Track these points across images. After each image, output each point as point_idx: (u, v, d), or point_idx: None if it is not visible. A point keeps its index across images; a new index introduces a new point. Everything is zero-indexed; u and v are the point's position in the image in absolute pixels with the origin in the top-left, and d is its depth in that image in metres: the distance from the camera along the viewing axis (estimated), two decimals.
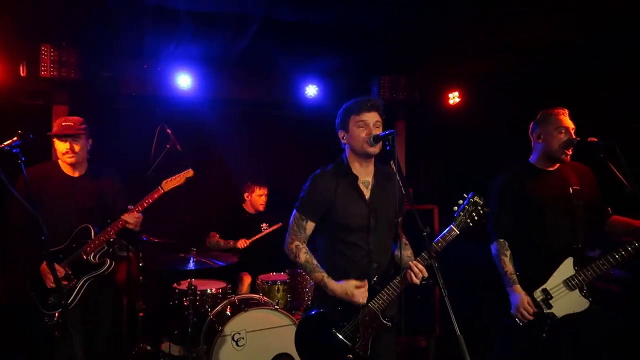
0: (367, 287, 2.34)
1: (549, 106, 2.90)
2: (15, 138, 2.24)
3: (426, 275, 2.28)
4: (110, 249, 3.17)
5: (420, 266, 2.28)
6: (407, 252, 2.50)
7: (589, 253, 2.76)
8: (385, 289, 2.34)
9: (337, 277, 2.37)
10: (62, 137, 3.04)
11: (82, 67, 4.40)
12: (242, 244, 4.61)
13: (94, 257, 3.06)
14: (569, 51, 4.47)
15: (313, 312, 2.47)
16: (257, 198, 4.84)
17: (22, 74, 4.33)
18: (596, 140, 2.70)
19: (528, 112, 2.99)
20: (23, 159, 2.26)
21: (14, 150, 2.22)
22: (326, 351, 2.36)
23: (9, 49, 4.29)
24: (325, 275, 2.37)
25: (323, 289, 2.38)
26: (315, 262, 2.41)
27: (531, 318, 2.68)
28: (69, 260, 3.03)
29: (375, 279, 2.39)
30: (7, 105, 4.37)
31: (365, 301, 2.33)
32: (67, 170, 3.16)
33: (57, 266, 2.92)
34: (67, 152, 3.05)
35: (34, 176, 2.99)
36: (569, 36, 4.22)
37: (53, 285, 2.91)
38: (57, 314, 2.91)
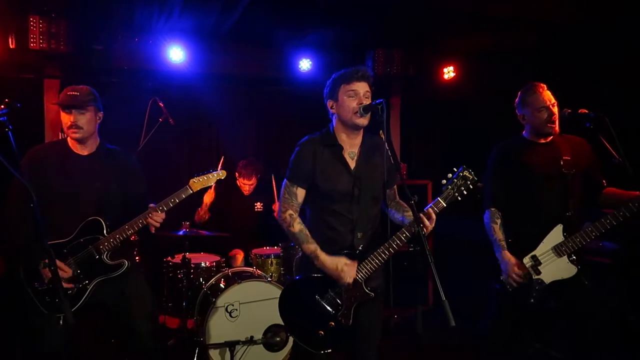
0: (356, 266, 2.35)
1: (545, 81, 2.91)
2: (1, 106, 2.20)
3: (434, 217, 2.28)
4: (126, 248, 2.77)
5: (435, 210, 2.29)
6: (408, 213, 2.48)
7: (579, 226, 2.79)
8: (370, 258, 2.35)
9: (322, 246, 2.39)
10: (66, 108, 2.68)
11: (73, 40, 4.31)
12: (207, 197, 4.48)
13: (108, 257, 2.68)
14: (565, 27, 4.44)
15: (297, 278, 2.49)
16: (242, 186, 4.74)
17: (11, 46, 4.26)
18: (586, 111, 2.74)
19: (524, 86, 2.98)
20: (10, 127, 2.17)
21: (0, 119, 2.16)
22: (308, 317, 2.37)
23: None
24: (318, 247, 2.38)
25: (313, 260, 2.38)
26: (308, 232, 2.41)
27: (521, 280, 2.73)
28: (77, 259, 2.65)
29: (360, 248, 2.40)
30: None
31: (351, 282, 2.33)
32: (75, 147, 2.79)
33: (61, 264, 2.58)
34: (71, 126, 2.68)
35: (34, 154, 2.72)
36: (565, 13, 4.18)
37: (69, 285, 2.61)
38: (61, 321, 2.56)
